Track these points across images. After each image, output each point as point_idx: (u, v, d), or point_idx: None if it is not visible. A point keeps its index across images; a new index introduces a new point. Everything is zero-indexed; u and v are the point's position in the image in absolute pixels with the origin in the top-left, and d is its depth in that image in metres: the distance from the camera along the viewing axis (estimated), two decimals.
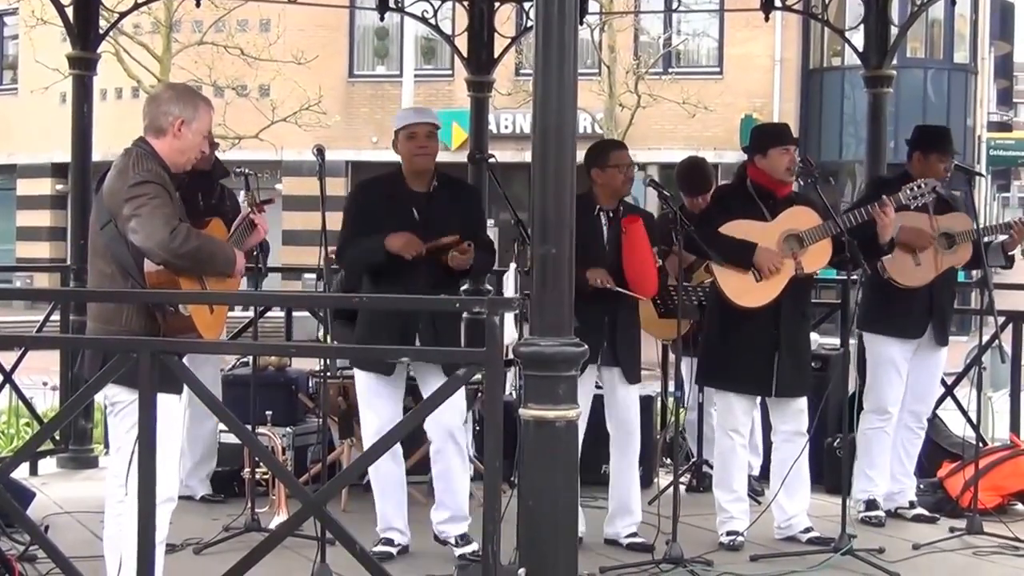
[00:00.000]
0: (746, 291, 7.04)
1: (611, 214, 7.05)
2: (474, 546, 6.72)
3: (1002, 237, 7.76)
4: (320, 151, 6.57)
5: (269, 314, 10.73)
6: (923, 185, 7.24)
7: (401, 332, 6.68)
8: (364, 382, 6.89)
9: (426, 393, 6.79)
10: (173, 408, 5.34)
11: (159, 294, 5.32)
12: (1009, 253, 7.81)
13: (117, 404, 5.37)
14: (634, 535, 7.11)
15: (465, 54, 10.63)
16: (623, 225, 6.96)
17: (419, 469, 7.73)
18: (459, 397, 6.74)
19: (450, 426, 6.74)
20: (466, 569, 6.11)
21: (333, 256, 6.86)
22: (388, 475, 6.86)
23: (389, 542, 6.86)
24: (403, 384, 6.95)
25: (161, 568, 5.28)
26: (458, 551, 6.80)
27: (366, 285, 6.85)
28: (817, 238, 7.04)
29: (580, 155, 5.09)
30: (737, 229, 7.05)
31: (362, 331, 6.90)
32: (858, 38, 9.85)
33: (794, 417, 7.24)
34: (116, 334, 5.34)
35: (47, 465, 9.29)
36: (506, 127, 29.27)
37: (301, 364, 8.82)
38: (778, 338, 7.09)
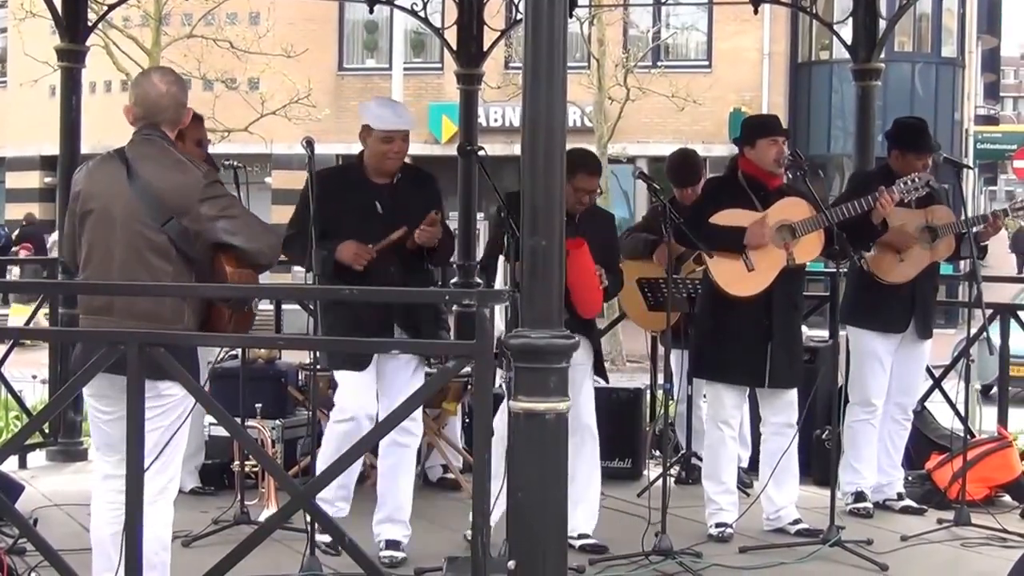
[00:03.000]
0: (738, 280, 7.04)
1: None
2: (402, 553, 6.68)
3: (976, 228, 7.79)
4: (309, 143, 6.56)
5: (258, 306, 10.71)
6: (917, 179, 7.29)
7: (380, 325, 6.50)
8: (344, 379, 6.72)
9: (384, 382, 6.69)
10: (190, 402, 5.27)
11: (172, 287, 5.25)
12: (982, 244, 7.84)
13: (166, 398, 5.19)
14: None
15: (454, 47, 10.62)
16: (567, 247, 6.70)
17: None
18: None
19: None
20: (455, 562, 6.09)
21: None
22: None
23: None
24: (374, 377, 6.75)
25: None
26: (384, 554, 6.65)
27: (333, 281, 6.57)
28: (809, 229, 7.06)
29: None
30: (729, 219, 7.06)
31: (335, 330, 6.59)
32: (846, 32, 9.87)
33: (784, 409, 7.25)
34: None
35: (36, 458, 9.28)
36: (495, 120, 29.25)
37: (290, 357, 8.81)
38: (770, 329, 7.10)
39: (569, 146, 4.98)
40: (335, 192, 6.68)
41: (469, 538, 6.55)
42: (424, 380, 6.60)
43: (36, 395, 10.75)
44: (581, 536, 6.83)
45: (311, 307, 7.18)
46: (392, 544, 6.71)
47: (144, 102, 5.29)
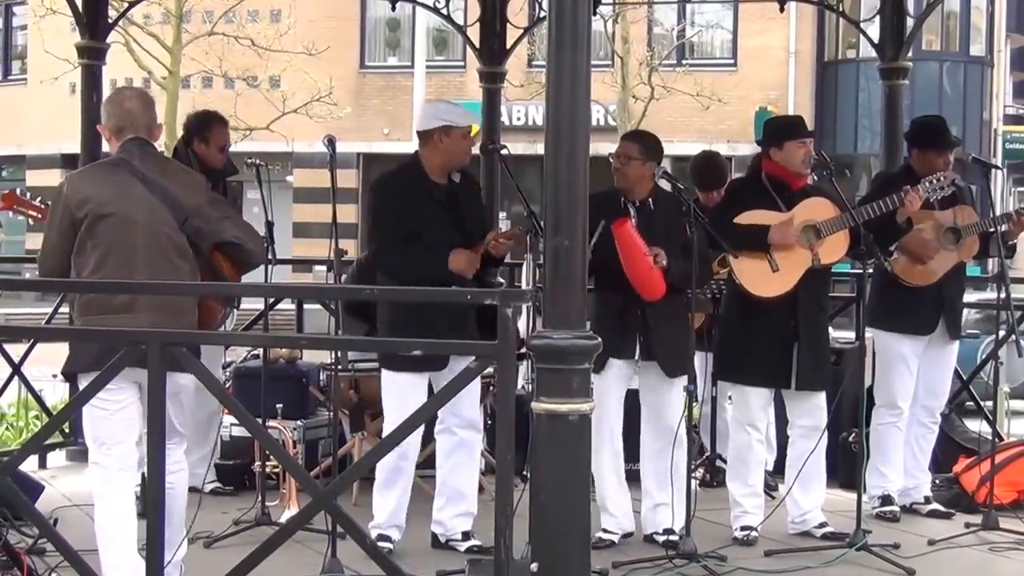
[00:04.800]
0: (763, 281, 6.99)
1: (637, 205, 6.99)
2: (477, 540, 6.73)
3: (1002, 228, 7.71)
4: (331, 142, 6.53)
5: (280, 306, 10.68)
6: (942, 178, 7.23)
7: (432, 328, 6.43)
8: (400, 382, 6.69)
9: (440, 382, 6.63)
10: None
11: (189, 286, 5.65)
12: (1010, 243, 7.76)
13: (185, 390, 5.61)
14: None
15: (477, 45, 10.57)
16: (612, 228, 6.72)
17: (430, 463, 7.68)
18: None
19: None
20: (477, 564, 6.06)
21: (367, 259, 6.76)
22: (401, 470, 6.78)
23: (387, 538, 6.72)
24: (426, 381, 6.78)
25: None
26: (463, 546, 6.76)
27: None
28: (834, 229, 7.00)
29: (595, 148, 5.05)
30: (753, 219, 7.01)
31: (389, 331, 6.72)
32: (873, 30, 9.80)
33: (812, 412, 7.19)
34: (188, 327, 5.63)
35: (56, 458, 9.25)
36: (519, 119, 29.21)
37: (312, 357, 8.78)
38: (796, 330, 7.04)
39: (593, 146, 4.93)
40: (405, 196, 6.74)
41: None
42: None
43: (56, 395, 10.74)
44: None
45: (332, 307, 7.15)
46: (467, 535, 6.81)
47: (127, 117, 5.72)
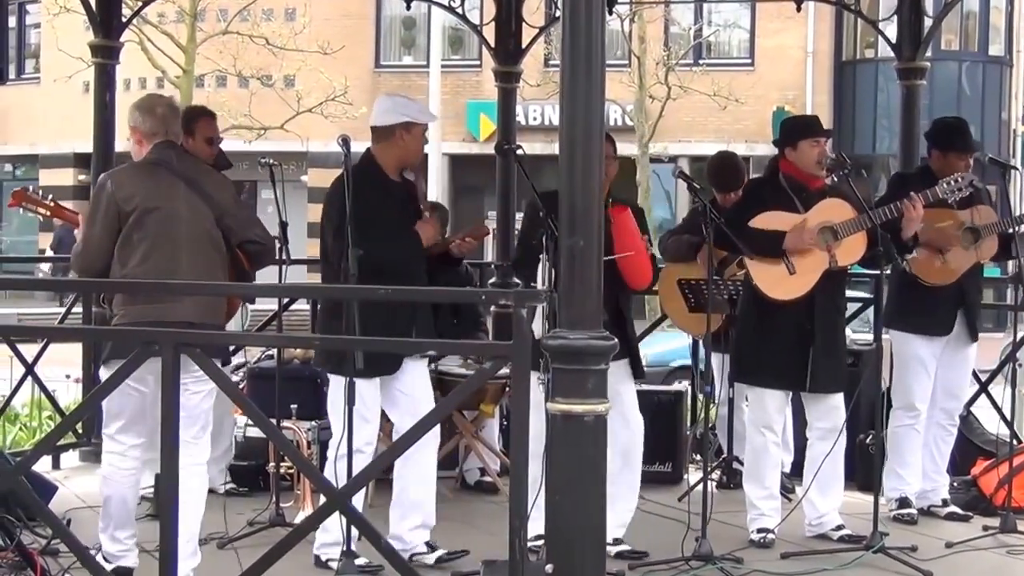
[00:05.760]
0: (779, 283, 6.96)
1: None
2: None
3: (1021, 228, 7.67)
4: (346, 142, 6.50)
5: (294, 307, 10.66)
6: (960, 179, 7.19)
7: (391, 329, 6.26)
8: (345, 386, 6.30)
9: (393, 384, 6.52)
10: None
11: (209, 286, 5.99)
12: None
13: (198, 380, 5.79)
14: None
15: (493, 44, 10.54)
16: (611, 214, 6.60)
17: (446, 463, 7.68)
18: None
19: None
20: (492, 566, 6.03)
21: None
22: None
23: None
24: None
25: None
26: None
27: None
28: (852, 231, 6.96)
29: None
30: (770, 221, 6.97)
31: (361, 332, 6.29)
32: (891, 29, 9.74)
33: (829, 414, 7.15)
34: (223, 315, 6.15)
35: (69, 458, 9.22)
36: (534, 118, 29.14)
37: None
38: (813, 332, 7.01)
39: None
40: (372, 195, 6.52)
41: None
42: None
43: (70, 395, 10.74)
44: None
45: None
46: (431, 546, 6.66)
47: (161, 123, 6.13)
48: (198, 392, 5.90)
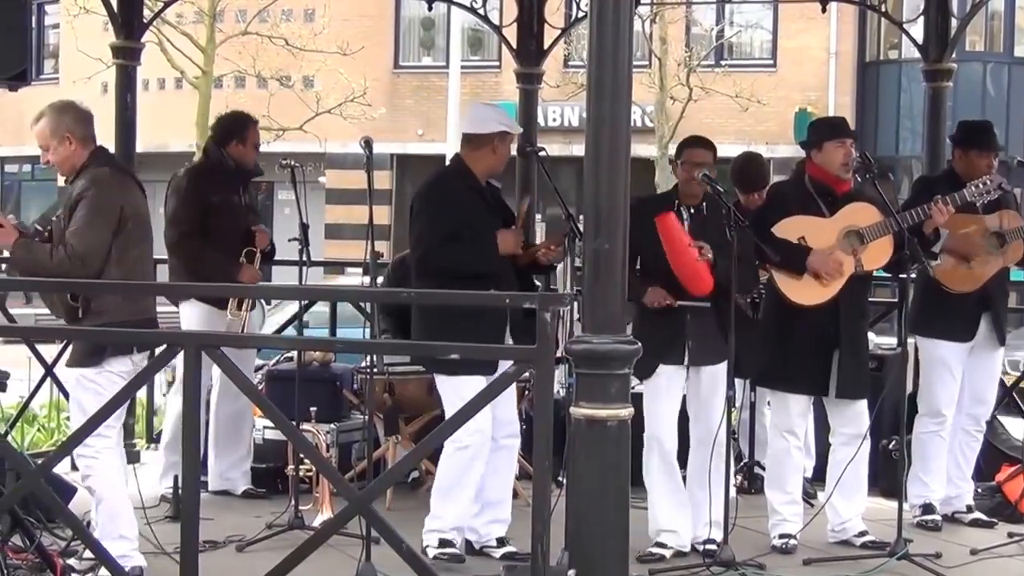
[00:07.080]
0: (803, 288, 6.91)
1: (692, 211, 6.89)
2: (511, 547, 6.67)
3: None
4: (368, 143, 6.49)
5: (313, 309, 10.64)
6: (988, 182, 7.13)
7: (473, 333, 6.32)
8: (454, 383, 6.57)
9: None
10: None
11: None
12: None
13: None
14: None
15: (514, 45, 10.48)
16: (655, 220, 6.65)
17: None
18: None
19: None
20: (513, 570, 6.00)
21: (418, 262, 6.69)
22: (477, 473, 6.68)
23: (449, 543, 6.64)
24: None
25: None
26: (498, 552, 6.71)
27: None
28: (878, 235, 6.91)
29: (632, 149, 4.99)
30: (796, 225, 6.92)
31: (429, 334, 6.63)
32: (916, 30, 9.69)
33: (854, 419, 7.10)
34: None
35: None
36: (554, 120, 29.09)
37: (345, 360, 8.73)
38: (837, 337, 6.96)
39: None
40: (464, 200, 6.71)
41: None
42: None
43: None
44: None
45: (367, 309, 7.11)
46: (502, 541, 6.77)
47: (91, 126, 6.23)
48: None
